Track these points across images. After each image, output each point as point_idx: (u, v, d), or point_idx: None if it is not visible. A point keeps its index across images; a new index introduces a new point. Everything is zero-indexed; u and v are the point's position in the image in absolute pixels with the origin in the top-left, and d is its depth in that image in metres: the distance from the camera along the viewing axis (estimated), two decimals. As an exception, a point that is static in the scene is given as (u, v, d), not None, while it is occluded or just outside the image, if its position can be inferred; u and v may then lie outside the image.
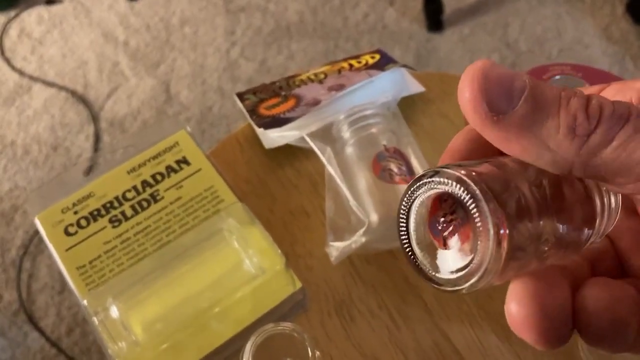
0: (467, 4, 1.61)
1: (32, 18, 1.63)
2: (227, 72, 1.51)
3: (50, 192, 0.47)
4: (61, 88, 1.48)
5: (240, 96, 0.54)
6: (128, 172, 0.48)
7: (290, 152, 0.50)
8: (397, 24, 1.60)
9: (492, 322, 0.43)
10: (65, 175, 0.48)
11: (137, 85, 1.49)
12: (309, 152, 0.50)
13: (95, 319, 0.39)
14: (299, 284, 0.44)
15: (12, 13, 1.63)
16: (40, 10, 1.64)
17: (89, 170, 0.49)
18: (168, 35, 1.58)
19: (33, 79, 1.50)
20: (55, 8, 1.64)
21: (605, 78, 0.53)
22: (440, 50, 1.53)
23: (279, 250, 0.41)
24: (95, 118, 1.44)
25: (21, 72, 1.51)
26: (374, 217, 0.43)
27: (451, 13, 1.60)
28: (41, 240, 1.26)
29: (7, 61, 1.54)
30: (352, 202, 0.44)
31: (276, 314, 0.44)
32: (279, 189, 0.50)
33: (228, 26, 1.59)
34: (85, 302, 0.39)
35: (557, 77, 0.52)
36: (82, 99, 1.47)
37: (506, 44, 1.56)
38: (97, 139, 1.41)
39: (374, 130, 0.46)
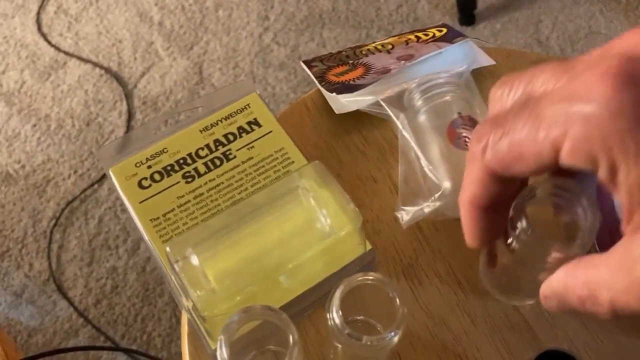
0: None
1: (68, -5, 1.64)
2: (259, 57, 1.52)
3: (122, 147, 0.48)
4: (95, 65, 1.49)
5: (307, 63, 0.54)
6: (201, 131, 0.48)
7: (358, 120, 0.51)
8: (430, 16, 1.60)
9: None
10: (137, 131, 0.49)
11: (171, 66, 1.50)
12: (377, 121, 0.51)
13: (176, 266, 0.39)
14: (369, 245, 0.44)
15: (49, -11, 1.65)
16: (77, -12, 1.65)
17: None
18: (202, 17, 1.59)
19: (68, 54, 1.51)
20: (91, -14, 1.66)
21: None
22: (471, 45, 1.53)
23: (357, 209, 0.42)
24: (128, 96, 1.45)
25: (57, 48, 1.53)
26: (448, 184, 0.44)
27: (484, 8, 1.60)
28: (72, 212, 1.27)
29: (44, 36, 1.55)
30: (426, 167, 0.44)
31: (345, 274, 0.44)
32: (346, 154, 0.50)
33: (261, 11, 1.59)
34: (168, 248, 0.39)
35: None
36: (116, 77, 1.48)
37: (537, 41, 1.56)
38: (130, 116, 1.42)
39: (447, 98, 0.46)
